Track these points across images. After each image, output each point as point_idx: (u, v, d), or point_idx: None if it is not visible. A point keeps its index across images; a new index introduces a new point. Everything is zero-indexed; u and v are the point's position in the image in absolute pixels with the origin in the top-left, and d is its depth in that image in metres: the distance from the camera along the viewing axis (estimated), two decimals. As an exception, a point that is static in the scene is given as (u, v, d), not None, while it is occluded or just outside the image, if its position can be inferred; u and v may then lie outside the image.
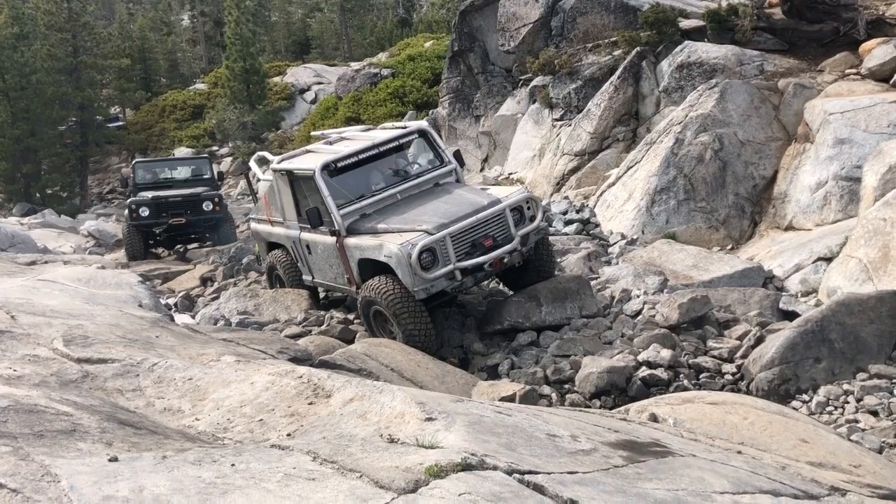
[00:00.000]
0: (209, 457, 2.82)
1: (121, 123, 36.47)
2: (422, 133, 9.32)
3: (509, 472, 2.76)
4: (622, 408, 5.41)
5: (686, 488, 3.26)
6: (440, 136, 19.65)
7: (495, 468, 2.78)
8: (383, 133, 9.44)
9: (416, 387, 7.18)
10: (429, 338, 7.95)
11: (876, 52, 11.90)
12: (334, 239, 8.52)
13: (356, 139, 9.55)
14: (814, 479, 3.94)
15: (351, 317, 9.24)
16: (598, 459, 3.42)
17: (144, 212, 15.39)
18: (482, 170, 18.01)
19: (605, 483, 3.01)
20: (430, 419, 3.42)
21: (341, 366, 7.11)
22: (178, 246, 15.98)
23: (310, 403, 4.19)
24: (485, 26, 18.54)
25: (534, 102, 16.61)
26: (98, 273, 9.06)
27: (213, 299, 11.56)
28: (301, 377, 4.56)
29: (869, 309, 6.60)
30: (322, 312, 9.42)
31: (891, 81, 11.44)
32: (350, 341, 8.70)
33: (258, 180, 10.24)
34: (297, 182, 9.03)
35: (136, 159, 20.39)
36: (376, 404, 3.82)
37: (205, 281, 13.37)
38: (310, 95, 36.62)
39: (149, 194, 15.60)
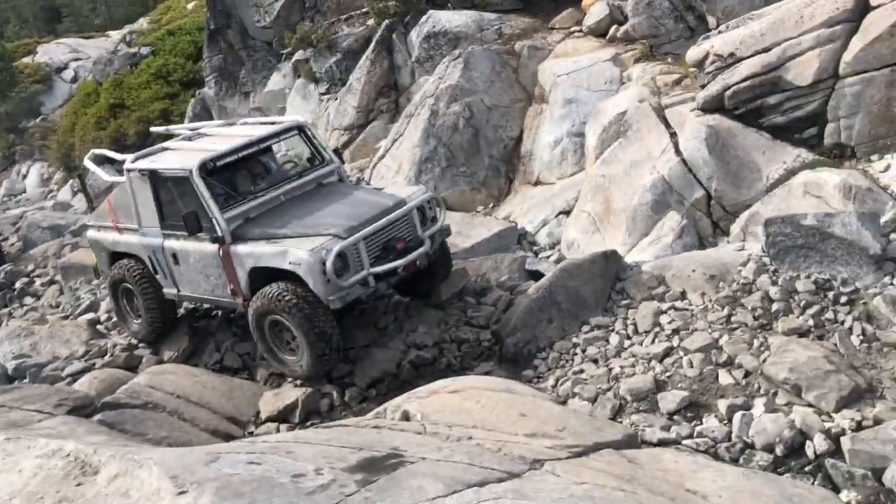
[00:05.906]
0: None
1: None
2: (300, 128, 8.84)
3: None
4: (382, 407, 6.13)
5: (405, 503, 4.00)
6: (212, 115, 19.37)
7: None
8: (258, 129, 8.85)
9: (205, 410, 7.57)
10: (338, 352, 7.62)
11: (593, 10, 13.18)
12: (216, 247, 7.86)
13: (221, 135, 8.89)
14: (521, 456, 4.85)
15: (135, 342, 9.31)
16: (333, 493, 4.07)
17: None
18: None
19: (332, 523, 3.66)
20: (182, 492, 3.90)
21: (126, 404, 7.34)
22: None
23: (78, 485, 4.51)
24: (238, 2, 18.24)
25: (298, 77, 16.77)
26: None
27: (-12, 338, 11.09)
28: (68, 455, 4.83)
29: (585, 271, 7.75)
30: (104, 341, 9.43)
31: (606, 37, 12.78)
32: (135, 368, 8.86)
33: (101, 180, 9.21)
34: (165, 184, 8.20)
35: None
36: (137, 480, 4.23)
37: (-24, 315, 12.69)
38: (69, 74, 33.93)
39: None
